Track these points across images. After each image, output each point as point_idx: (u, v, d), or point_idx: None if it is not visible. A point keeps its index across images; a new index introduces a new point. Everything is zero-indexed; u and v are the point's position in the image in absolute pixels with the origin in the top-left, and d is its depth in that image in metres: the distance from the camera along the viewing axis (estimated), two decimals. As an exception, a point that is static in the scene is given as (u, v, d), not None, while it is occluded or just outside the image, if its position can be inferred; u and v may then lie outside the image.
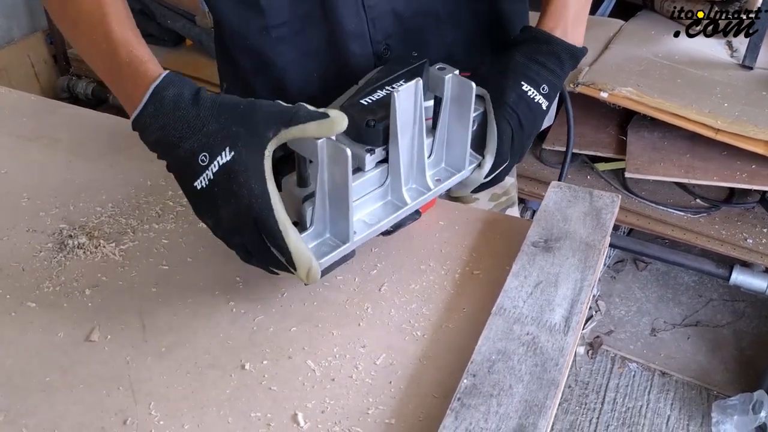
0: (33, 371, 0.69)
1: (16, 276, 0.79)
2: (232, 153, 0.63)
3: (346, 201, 0.65)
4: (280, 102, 0.66)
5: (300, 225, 0.69)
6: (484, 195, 1.12)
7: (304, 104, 0.65)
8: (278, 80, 0.91)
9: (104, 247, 0.83)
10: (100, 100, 2.55)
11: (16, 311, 0.75)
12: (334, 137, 0.64)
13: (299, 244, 0.64)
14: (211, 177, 0.63)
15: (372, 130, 0.69)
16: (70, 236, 0.84)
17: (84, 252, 0.83)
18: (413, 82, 0.68)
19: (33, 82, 2.64)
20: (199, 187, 0.64)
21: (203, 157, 0.63)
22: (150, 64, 0.68)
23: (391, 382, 0.67)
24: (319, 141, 0.63)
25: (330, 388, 0.67)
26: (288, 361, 0.69)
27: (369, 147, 0.70)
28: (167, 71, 0.67)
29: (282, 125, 0.64)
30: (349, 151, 0.62)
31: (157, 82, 0.66)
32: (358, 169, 0.70)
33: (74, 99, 2.58)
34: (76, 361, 0.70)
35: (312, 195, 0.68)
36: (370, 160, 0.70)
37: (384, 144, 0.70)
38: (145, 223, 0.87)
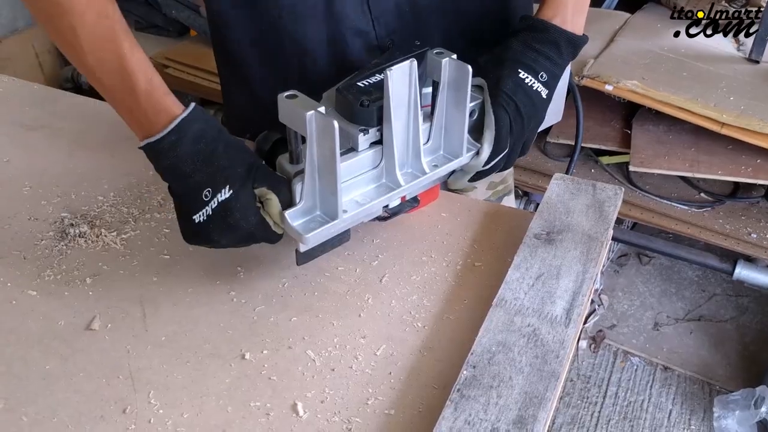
0: (33, 359, 0.69)
1: (18, 264, 0.79)
2: (231, 191, 0.67)
3: (334, 174, 0.65)
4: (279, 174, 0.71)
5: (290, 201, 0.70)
6: (481, 184, 1.12)
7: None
8: (282, 70, 0.91)
9: (105, 236, 0.83)
10: (104, 90, 2.55)
11: (17, 299, 0.75)
12: (322, 109, 0.64)
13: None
14: (210, 213, 0.67)
15: (366, 110, 0.69)
16: (72, 225, 0.84)
17: (85, 241, 0.83)
18: (407, 62, 0.68)
19: (37, 72, 2.63)
20: (197, 221, 0.67)
21: (207, 193, 0.67)
22: (171, 96, 0.69)
23: (390, 373, 0.67)
24: (308, 113, 0.63)
25: (330, 378, 0.67)
26: (288, 351, 0.69)
27: (362, 127, 0.70)
28: (194, 104, 0.69)
29: (270, 187, 0.68)
30: (336, 123, 0.62)
31: (184, 114, 0.67)
32: (352, 149, 0.70)
33: (78, 89, 2.58)
34: (77, 350, 0.70)
35: (303, 171, 0.68)
36: (363, 140, 0.70)
37: (378, 124, 0.70)
38: (147, 213, 0.87)
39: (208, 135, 0.68)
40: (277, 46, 0.89)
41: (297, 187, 0.69)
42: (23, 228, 0.85)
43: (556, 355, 0.65)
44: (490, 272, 0.78)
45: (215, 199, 0.66)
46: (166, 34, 2.47)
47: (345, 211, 0.69)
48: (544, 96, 0.79)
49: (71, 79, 2.64)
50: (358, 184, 0.72)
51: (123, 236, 0.83)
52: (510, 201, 1.21)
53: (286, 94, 0.65)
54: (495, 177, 1.11)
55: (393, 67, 0.67)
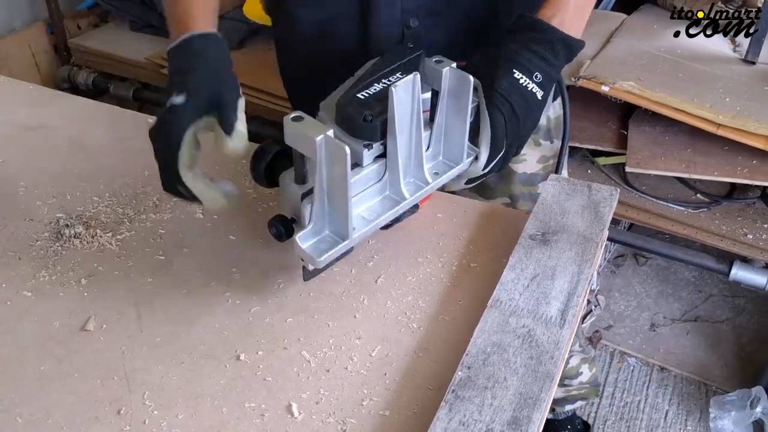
0: (28, 360, 0.69)
1: (13, 265, 0.79)
2: (180, 100, 0.70)
3: (345, 198, 0.65)
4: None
5: (299, 223, 0.69)
6: (531, 156, 1.11)
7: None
8: (324, 28, 0.95)
9: (101, 236, 0.83)
10: (100, 90, 2.54)
11: (12, 300, 0.75)
12: (331, 133, 0.63)
13: (197, 185, 0.71)
14: (164, 109, 0.71)
15: (369, 126, 0.68)
16: (67, 225, 0.84)
17: (81, 241, 0.83)
18: (411, 76, 0.67)
19: (34, 72, 2.63)
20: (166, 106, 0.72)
21: (173, 91, 0.71)
22: (202, 21, 0.77)
23: (386, 374, 0.67)
24: (317, 138, 0.62)
25: (325, 379, 0.67)
26: (283, 352, 0.69)
27: (366, 142, 0.69)
28: (211, 32, 0.77)
29: (218, 110, 0.70)
30: (348, 149, 0.61)
31: (193, 32, 0.75)
32: (356, 164, 0.70)
33: (75, 89, 2.57)
34: (72, 351, 0.70)
35: (310, 192, 0.67)
36: (367, 155, 0.69)
37: (382, 139, 0.69)
38: (142, 213, 0.87)
39: (205, 52, 0.74)
40: (315, 11, 0.94)
41: (306, 209, 0.68)
42: (18, 229, 0.85)
43: (551, 356, 0.65)
44: (486, 273, 0.78)
45: (171, 99, 0.70)
46: (163, 33, 2.46)
47: (354, 229, 0.69)
48: (539, 97, 0.78)
49: (68, 79, 2.64)
50: (363, 198, 0.71)
51: (118, 237, 0.83)
52: (563, 174, 1.19)
53: (292, 116, 0.64)
54: (546, 150, 1.11)
55: (397, 83, 0.66)
